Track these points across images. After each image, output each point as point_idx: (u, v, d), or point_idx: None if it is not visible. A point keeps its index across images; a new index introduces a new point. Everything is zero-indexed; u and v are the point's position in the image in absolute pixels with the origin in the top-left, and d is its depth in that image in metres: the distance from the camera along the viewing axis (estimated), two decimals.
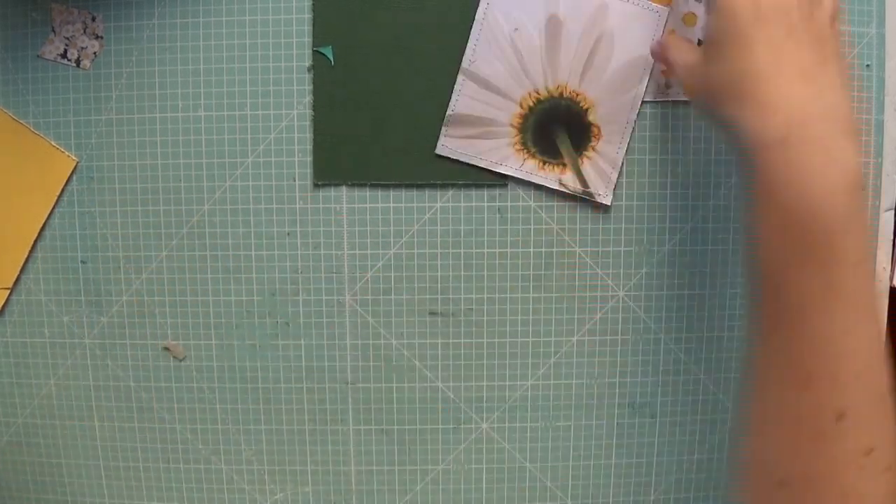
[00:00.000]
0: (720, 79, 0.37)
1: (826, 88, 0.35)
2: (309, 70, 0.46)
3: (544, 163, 0.47)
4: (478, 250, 0.48)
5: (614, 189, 0.47)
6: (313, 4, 0.46)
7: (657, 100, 0.47)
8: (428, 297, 0.48)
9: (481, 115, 0.46)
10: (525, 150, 0.47)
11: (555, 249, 0.48)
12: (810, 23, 0.36)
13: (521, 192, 0.47)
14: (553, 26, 0.46)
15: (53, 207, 0.47)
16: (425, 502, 0.49)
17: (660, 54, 0.44)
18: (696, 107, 0.44)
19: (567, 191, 0.47)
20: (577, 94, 0.46)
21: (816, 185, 0.33)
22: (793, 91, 0.35)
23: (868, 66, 0.48)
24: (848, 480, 0.34)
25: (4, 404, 0.49)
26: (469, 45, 0.46)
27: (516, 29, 0.46)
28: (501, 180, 0.47)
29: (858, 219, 0.34)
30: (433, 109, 0.46)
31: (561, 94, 0.46)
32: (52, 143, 0.46)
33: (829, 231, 0.33)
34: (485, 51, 0.46)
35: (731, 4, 0.36)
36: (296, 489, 0.49)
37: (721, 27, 0.36)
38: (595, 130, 0.47)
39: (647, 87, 0.46)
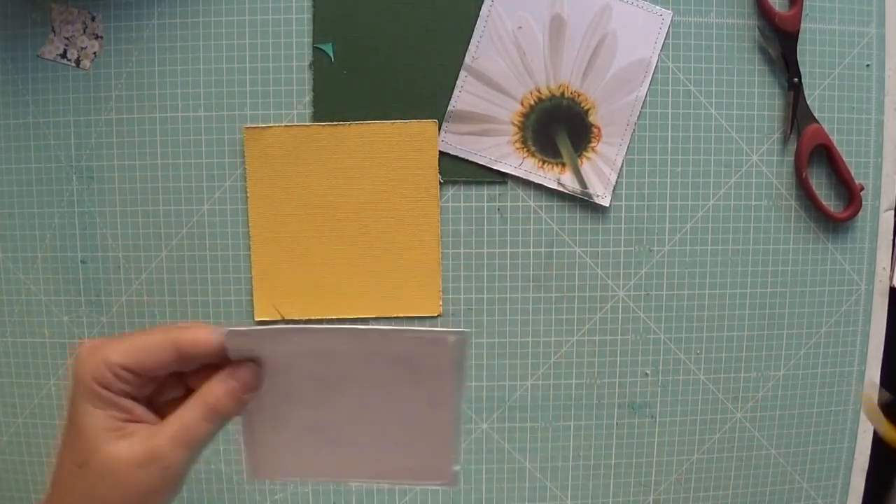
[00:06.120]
0: None
1: None
2: (309, 67, 0.46)
3: (543, 162, 0.47)
4: (478, 250, 0.48)
5: (613, 190, 0.47)
6: (314, 2, 0.45)
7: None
8: None
9: (482, 112, 0.46)
10: (525, 149, 0.47)
11: (555, 249, 0.48)
12: None
13: (521, 192, 0.47)
14: (557, 25, 0.46)
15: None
16: (425, 502, 0.49)
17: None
18: None
19: (566, 191, 0.47)
20: (579, 95, 0.46)
21: None
22: None
23: (868, 66, 0.48)
24: None
25: (4, 404, 0.49)
26: (472, 41, 0.46)
27: (520, 27, 0.46)
28: (501, 178, 0.47)
29: None
30: (434, 106, 0.46)
31: (562, 93, 0.46)
32: (405, 120, 0.45)
33: None
34: (488, 48, 0.46)
35: None
36: (296, 489, 0.49)
37: None
38: (595, 131, 0.47)
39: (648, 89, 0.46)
